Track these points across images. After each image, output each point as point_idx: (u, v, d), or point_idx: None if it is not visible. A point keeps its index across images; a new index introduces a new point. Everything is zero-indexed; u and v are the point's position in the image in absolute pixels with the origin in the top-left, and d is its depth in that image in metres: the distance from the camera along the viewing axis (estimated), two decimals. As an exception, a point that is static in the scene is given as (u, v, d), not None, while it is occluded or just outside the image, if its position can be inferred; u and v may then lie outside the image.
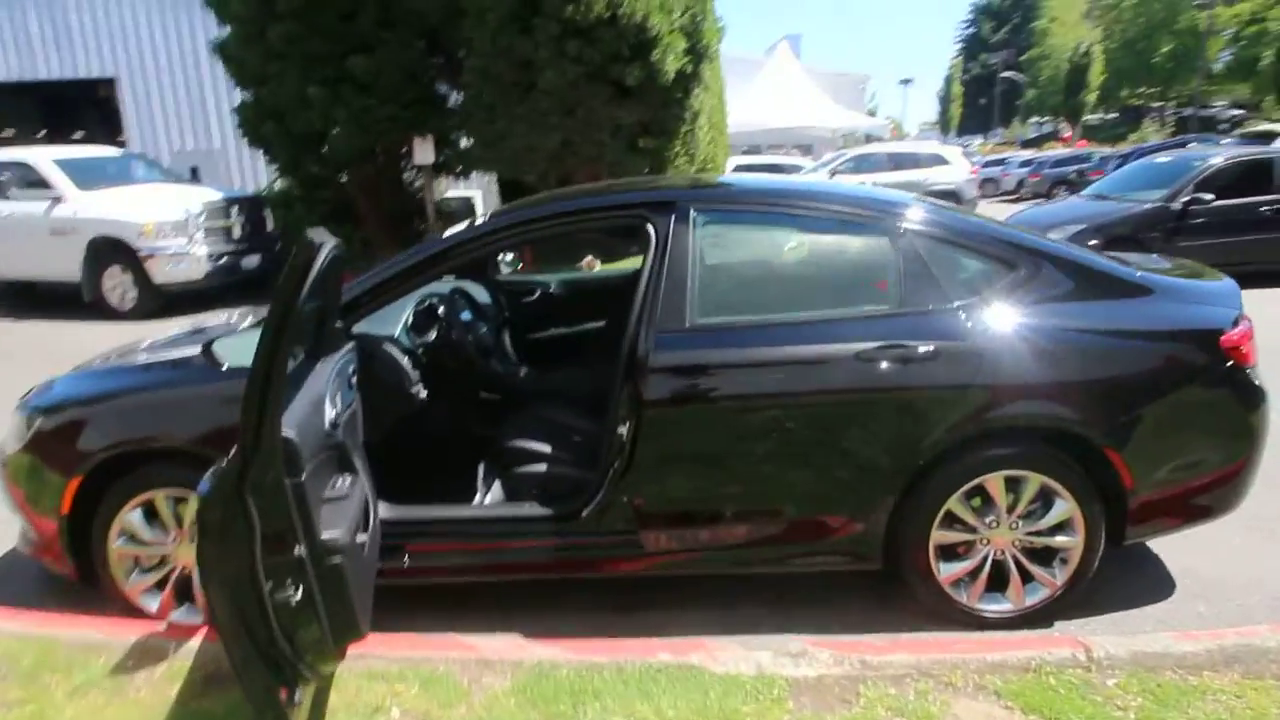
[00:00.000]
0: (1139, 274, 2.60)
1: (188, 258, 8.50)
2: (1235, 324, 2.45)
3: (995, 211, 12.76)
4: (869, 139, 26.46)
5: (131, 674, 2.33)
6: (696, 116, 10.48)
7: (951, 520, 2.46)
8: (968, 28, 70.18)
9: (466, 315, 3.17)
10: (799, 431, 2.36)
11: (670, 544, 2.50)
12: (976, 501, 2.48)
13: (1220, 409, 2.45)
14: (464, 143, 11.05)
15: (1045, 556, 2.52)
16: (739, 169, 14.56)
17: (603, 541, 2.51)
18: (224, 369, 2.38)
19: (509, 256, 4.34)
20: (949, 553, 2.51)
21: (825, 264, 2.65)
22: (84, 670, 2.34)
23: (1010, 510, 2.46)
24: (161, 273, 8.43)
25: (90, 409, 2.56)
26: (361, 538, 2.01)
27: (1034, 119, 63.22)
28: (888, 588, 2.69)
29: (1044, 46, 58.66)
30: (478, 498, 2.74)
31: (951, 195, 12.39)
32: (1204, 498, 2.52)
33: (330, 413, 1.94)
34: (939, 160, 14.17)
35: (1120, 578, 2.73)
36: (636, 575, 2.62)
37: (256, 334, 2.47)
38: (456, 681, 2.24)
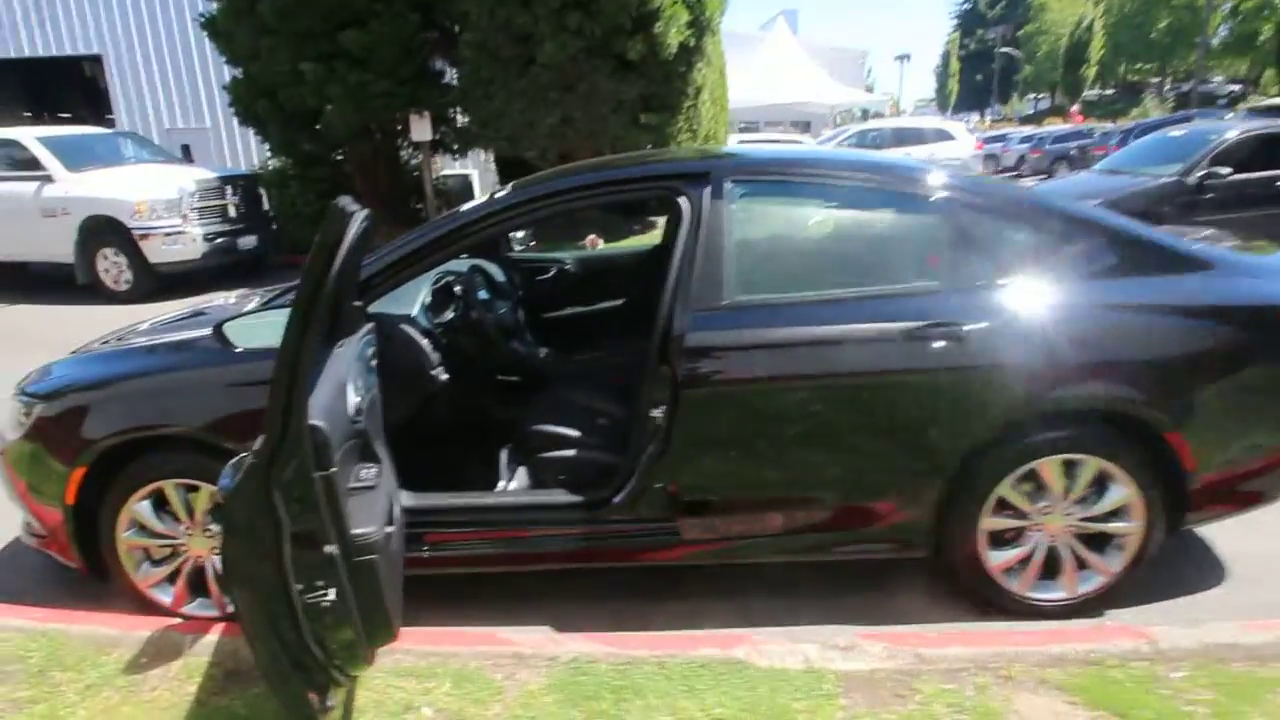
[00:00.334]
0: (1196, 247, 2.48)
1: (183, 237, 8.30)
2: None
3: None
4: (866, 115, 26.20)
5: (146, 671, 2.22)
6: (699, 91, 10.27)
7: (1003, 506, 2.35)
8: (964, 3, 69.51)
9: (484, 294, 3.02)
10: (843, 414, 2.24)
11: (708, 532, 2.39)
12: (1028, 486, 2.36)
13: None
14: (461, 120, 10.84)
15: (1100, 543, 2.42)
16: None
17: (635, 529, 2.40)
18: (237, 351, 2.25)
19: (520, 234, 4.19)
20: (999, 539, 2.40)
21: (869, 238, 2.51)
22: (96, 668, 2.22)
23: (1065, 495, 2.35)
24: (157, 252, 8.22)
25: (93, 394, 2.42)
26: (389, 529, 1.89)
27: (1030, 95, 62.86)
28: (932, 575, 2.59)
29: (1040, 22, 58.15)
30: (501, 484, 2.62)
31: (957, 171, 12.22)
32: (1258, 482, 2.42)
33: (353, 399, 1.81)
34: (944, 136, 14.00)
35: (1168, 562, 2.63)
36: (671, 564, 2.51)
37: (269, 315, 2.36)
38: (489, 678, 2.13)
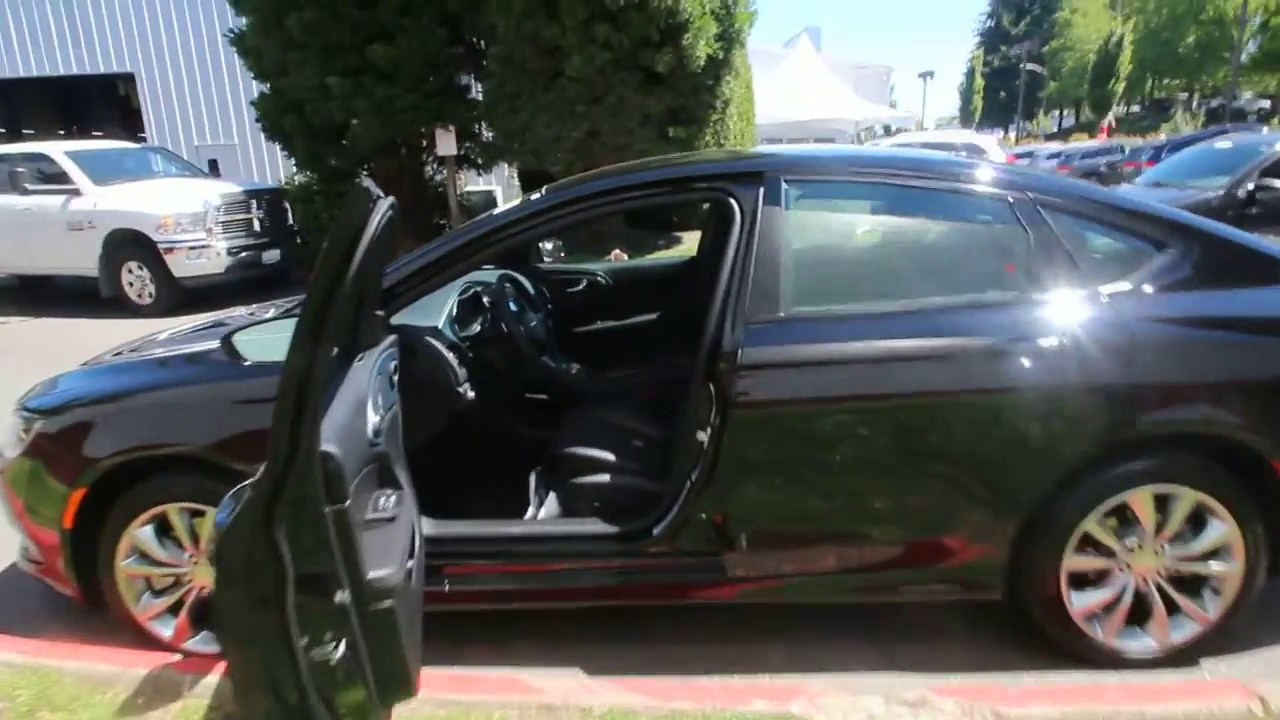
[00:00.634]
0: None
1: (207, 250, 8.26)
2: None
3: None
4: (888, 131, 25.94)
5: (143, 713, 2.04)
6: (727, 104, 10.13)
7: (1087, 544, 2.11)
8: (987, 20, 69.14)
9: (514, 306, 2.83)
10: (911, 439, 2.02)
11: (757, 569, 2.17)
12: (1113, 521, 2.12)
13: None
14: (486, 135, 10.78)
15: (1194, 586, 2.16)
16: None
17: (677, 564, 2.19)
18: (246, 364, 2.08)
19: (549, 244, 4.02)
20: (1082, 581, 2.16)
21: (939, 244, 2.29)
22: (88, 708, 2.04)
23: (1157, 532, 2.10)
24: (181, 266, 8.19)
25: (96, 410, 2.26)
26: (409, 564, 1.69)
27: (1055, 112, 62.22)
28: (1000, 617, 2.34)
29: (1066, 38, 57.64)
30: (530, 511, 2.41)
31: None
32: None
33: (373, 419, 1.62)
34: (975, 150, 13.69)
35: (1266, 604, 2.36)
36: (716, 604, 2.28)
37: (282, 325, 2.19)
38: (516, 731, 1.92)
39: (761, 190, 2.12)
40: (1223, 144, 8.74)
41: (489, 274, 3.08)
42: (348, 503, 1.28)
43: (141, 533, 2.22)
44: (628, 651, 2.34)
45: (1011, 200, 2.12)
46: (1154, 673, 2.14)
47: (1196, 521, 2.10)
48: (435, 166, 11.39)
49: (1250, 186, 7.53)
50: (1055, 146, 30.19)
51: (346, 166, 10.49)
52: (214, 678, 2.12)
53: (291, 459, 1.20)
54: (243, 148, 16.36)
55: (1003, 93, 59.98)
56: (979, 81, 61.48)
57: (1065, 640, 2.18)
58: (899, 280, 2.18)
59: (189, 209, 8.27)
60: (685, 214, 11.75)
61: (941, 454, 2.05)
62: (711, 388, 2.07)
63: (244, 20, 10.16)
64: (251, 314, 2.88)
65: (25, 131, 17.70)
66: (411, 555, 1.75)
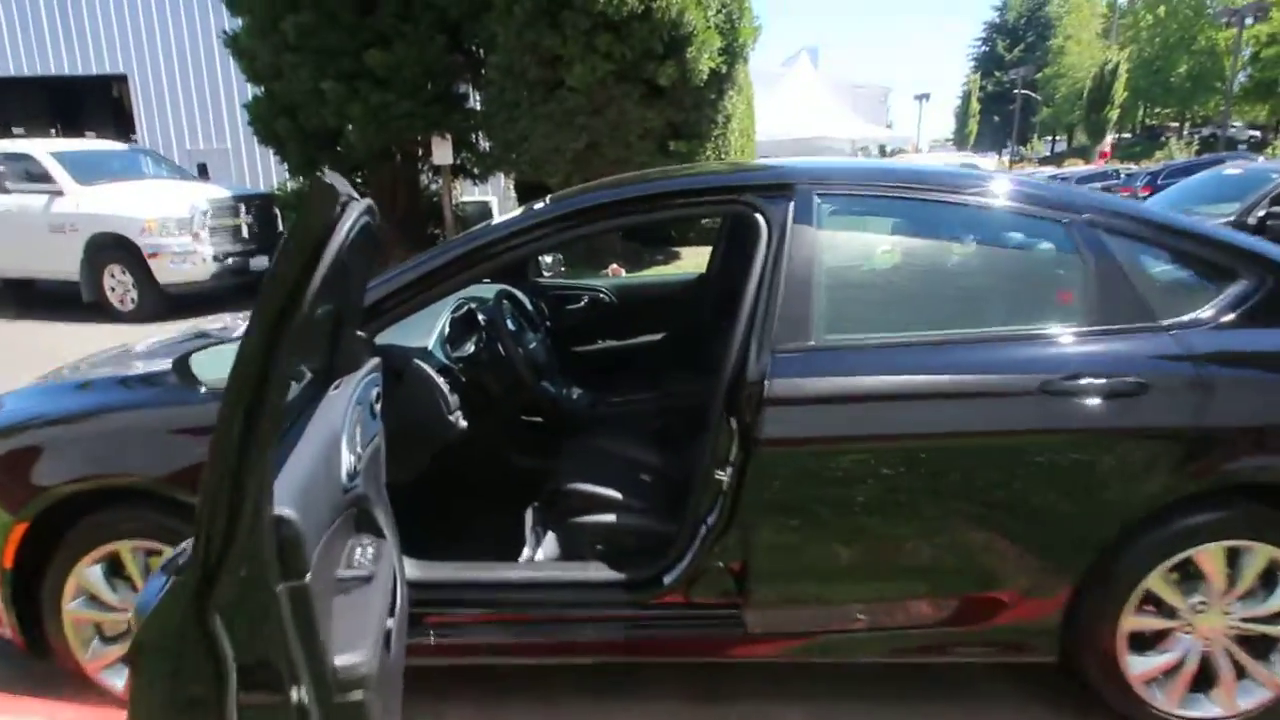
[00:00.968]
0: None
1: (193, 256, 8.00)
2: None
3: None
4: (883, 152, 25.94)
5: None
6: (729, 120, 9.99)
7: (1148, 602, 1.90)
8: (981, 45, 69.85)
9: (512, 325, 2.60)
10: (956, 484, 1.81)
11: (780, 624, 1.94)
12: (1175, 577, 1.91)
13: None
14: (483, 144, 10.59)
15: (1264, 648, 1.95)
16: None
17: (691, 617, 1.96)
18: (202, 390, 1.84)
19: (549, 259, 3.81)
20: (1141, 643, 1.94)
21: (989, 269, 2.09)
22: (23, 773, 1.80)
23: (1226, 590, 1.89)
24: (165, 271, 7.93)
25: (45, 434, 2.01)
26: (389, 623, 1.46)
27: (1048, 137, 62.79)
28: (1047, 678, 2.12)
29: (1059, 66, 58.27)
30: (526, 553, 2.18)
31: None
32: None
33: (348, 460, 1.39)
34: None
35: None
36: (735, 663, 2.06)
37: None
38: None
39: (792, 204, 1.91)
40: (1232, 170, 8.66)
41: (485, 290, 2.86)
42: (308, 577, 1.05)
43: (91, 573, 1.97)
44: (632, 712, 2.10)
45: (1067, 222, 1.92)
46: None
47: (1270, 579, 1.90)
48: (431, 176, 11.19)
49: (1260, 214, 7.41)
50: (1050, 170, 30.32)
51: (340, 173, 10.27)
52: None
53: (231, 530, 0.97)
54: (235, 152, 16.13)
55: (997, 116, 60.49)
56: (974, 105, 62.04)
57: (1123, 706, 1.97)
58: (943, 308, 1.97)
59: (175, 212, 8.02)
60: (683, 229, 11.60)
61: (989, 501, 1.83)
62: (733, 421, 1.85)
63: (239, 22, 9.99)
64: (224, 327, 2.65)
65: (15, 131, 17.41)
66: (392, 613, 1.52)
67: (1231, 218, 7.51)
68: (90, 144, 9.69)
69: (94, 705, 2.02)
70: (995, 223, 2.01)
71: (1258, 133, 43.59)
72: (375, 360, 1.80)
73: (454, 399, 2.10)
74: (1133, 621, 1.90)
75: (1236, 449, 1.81)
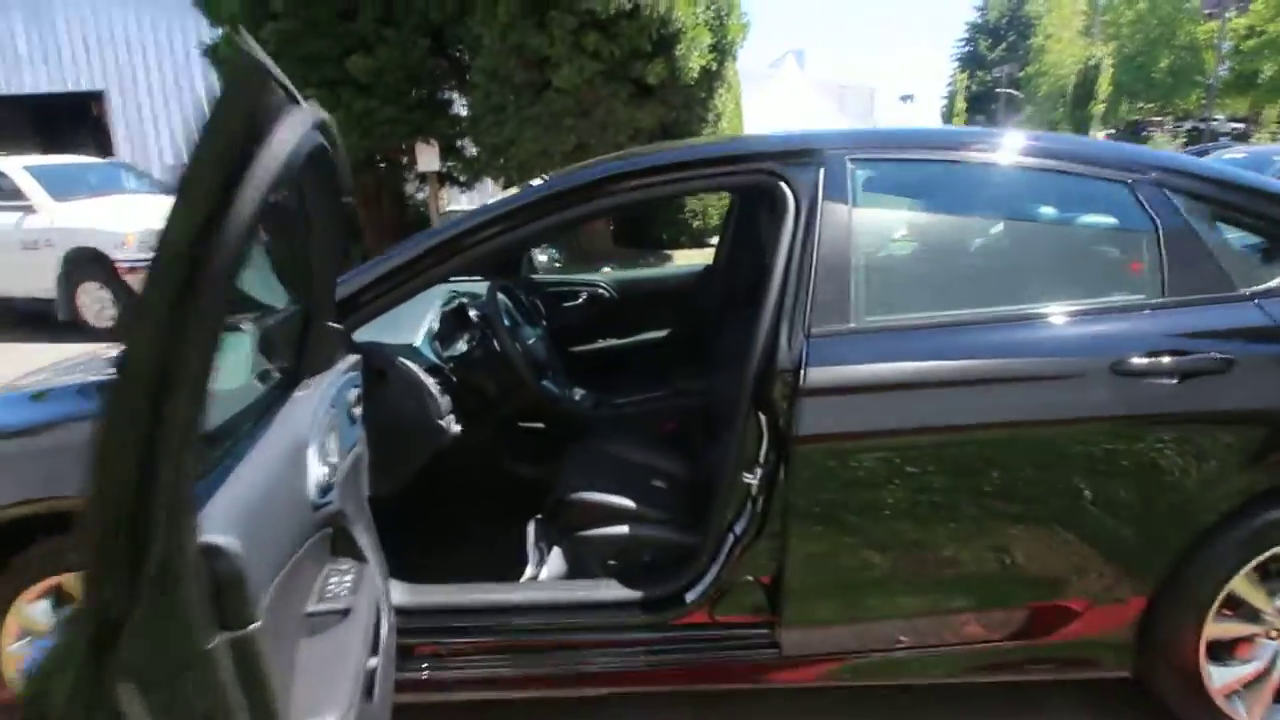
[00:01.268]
0: None
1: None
2: None
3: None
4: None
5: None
6: (719, 118, 9.81)
7: (1231, 605, 1.69)
8: (965, 46, 70.27)
9: (508, 321, 2.37)
10: (1022, 479, 1.60)
11: (820, 644, 1.72)
12: (1257, 577, 1.71)
13: None
14: (470, 150, 10.39)
15: (1356, 654, 1.74)
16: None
17: (717, 639, 1.74)
18: None
19: (543, 256, 3.60)
20: (1222, 651, 1.73)
21: (1048, 236, 1.88)
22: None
23: (1316, 590, 1.69)
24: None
25: (-12, 450, 1.78)
26: (372, 663, 1.24)
27: (1033, 135, 63.15)
28: (1116, 693, 1.91)
29: (1040, 64, 58.65)
30: (528, 571, 1.96)
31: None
32: None
33: (318, 471, 1.16)
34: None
35: None
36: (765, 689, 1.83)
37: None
38: None
39: (821, 172, 1.70)
40: (1234, 154, 8.56)
41: (476, 285, 2.65)
42: (255, 624, 0.81)
43: (34, 609, 1.74)
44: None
45: (1132, 182, 1.72)
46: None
47: (1362, 578, 1.69)
48: (417, 184, 10.97)
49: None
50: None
51: (324, 183, 10.04)
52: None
53: (135, 567, 0.72)
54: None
55: (981, 116, 60.77)
56: (960, 104, 62.36)
57: (1200, 722, 1.75)
58: (996, 282, 1.77)
59: (154, 226, 7.77)
60: (675, 231, 11.41)
61: (1058, 498, 1.63)
62: (761, 417, 1.63)
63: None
64: None
65: (-6, 152, 17.10)
66: (375, 650, 1.29)
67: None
68: (67, 159, 9.40)
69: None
70: (1052, 186, 1.80)
71: (1241, 124, 43.94)
72: (354, 358, 1.58)
73: (445, 401, 1.89)
74: (1215, 628, 1.69)
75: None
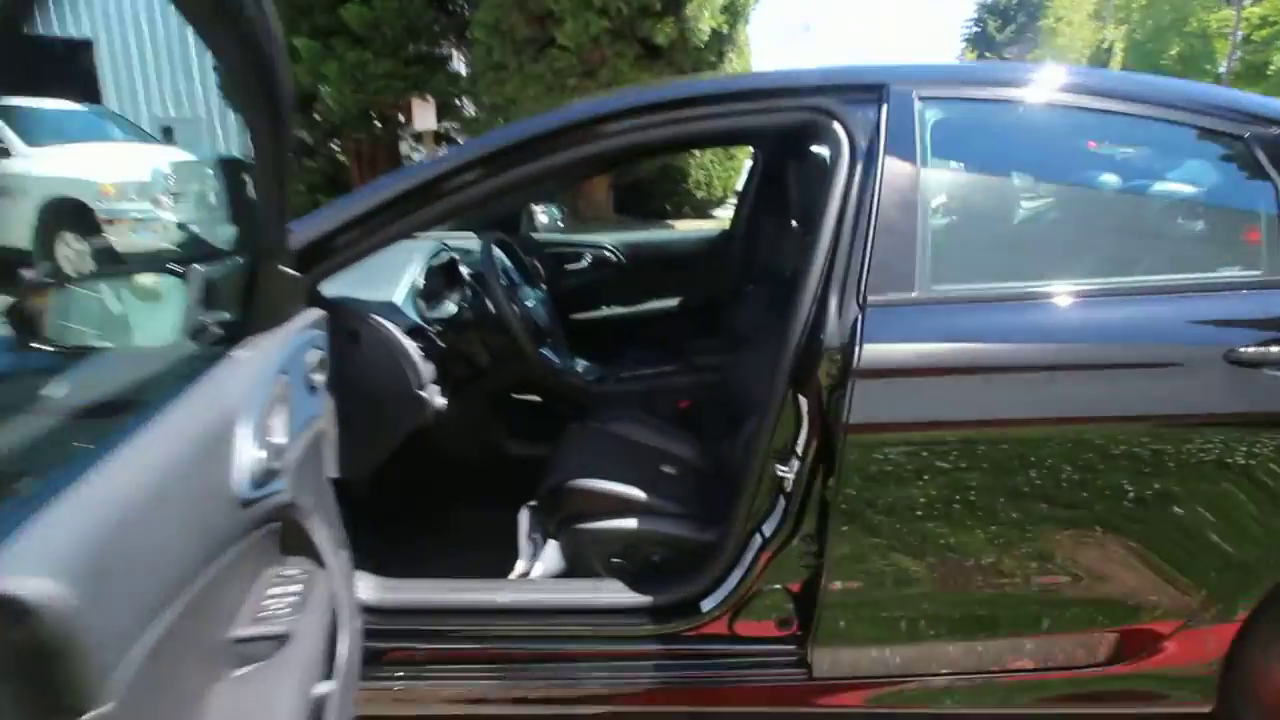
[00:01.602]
0: None
1: (155, 223, 7.42)
2: None
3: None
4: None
5: None
6: (729, 85, 9.45)
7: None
8: (974, 26, 69.36)
9: (505, 280, 2.09)
10: (1112, 484, 1.34)
11: (863, 666, 1.48)
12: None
13: None
14: (468, 110, 10.01)
15: None
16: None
17: (738, 655, 1.50)
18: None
19: (544, 216, 3.31)
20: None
21: (1148, 198, 1.60)
22: None
23: None
24: (125, 241, 7.35)
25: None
26: (322, 690, 0.99)
27: (1040, 119, 62.70)
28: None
29: (1050, 47, 57.96)
30: (519, 566, 1.71)
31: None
32: None
33: (251, 456, 0.89)
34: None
35: None
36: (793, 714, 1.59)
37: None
38: None
39: (884, 110, 1.42)
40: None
41: (469, 241, 2.36)
42: (102, 711, 0.54)
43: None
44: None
45: (1249, 136, 1.44)
46: None
47: None
48: (413, 143, 10.59)
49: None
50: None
51: (316, 139, 9.69)
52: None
53: None
54: (209, 122, 15.37)
55: (988, 98, 60.09)
56: (967, 85, 61.68)
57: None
58: (1089, 250, 1.49)
59: (136, 176, 7.43)
60: (679, 201, 11.09)
61: (1152, 507, 1.37)
62: (802, 401, 1.37)
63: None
64: None
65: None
66: (331, 671, 1.04)
67: None
68: (42, 103, 8.98)
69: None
70: (1157, 138, 1.52)
71: (1248, 116, 43.56)
72: (315, 313, 1.30)
73: (427, 369, 1.62)
74: (1315, 658, 1.46)
75: None
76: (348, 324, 1.52)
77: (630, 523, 1.68)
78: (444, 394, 1.71)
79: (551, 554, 1.71)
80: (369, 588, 1.51)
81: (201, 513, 0.78)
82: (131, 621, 0.60)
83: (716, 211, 11.25)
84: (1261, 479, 1.33)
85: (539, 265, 2.69)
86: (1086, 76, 1.53)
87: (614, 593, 1.55)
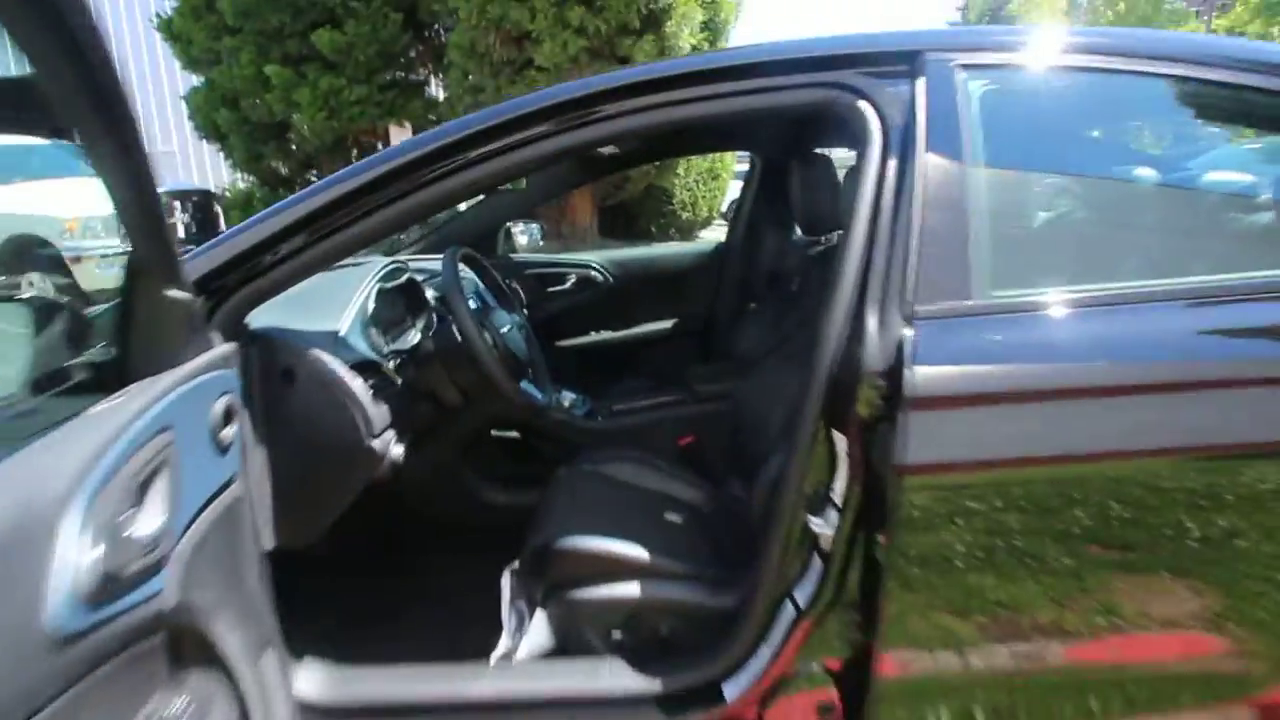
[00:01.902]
0: None
1: (121, 260, 7.15)
2: None
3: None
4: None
5: None
6: (711, 103, 9.30)
7: None
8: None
9: (474, 302, 1.81)
10: (1238, 530, 1.08)
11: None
12: None
13: None
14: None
15: None
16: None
17: (768, 750, 1.22)
18: None
19: (523, 236, 3.05)
20: None
21: (1245, 182, 1.36)
22: None
23: None
24: (91, 277, 7.07)
25: None
26: None
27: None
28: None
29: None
30: (501, 644, 1.42)
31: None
32: None
33: (84, 559, 0.61)
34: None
35: None
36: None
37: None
38: None
39: (923, 84, 1.17)
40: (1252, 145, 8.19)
41: (433, 262, 2.10)
42: None
43: None
44: None
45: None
46: None
47: None
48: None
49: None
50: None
51: (290, 168, 9.44)
52: None
53: None
54: (182, 153, 15.13)
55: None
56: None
57: None
58: (1179, 245, 1.24)
59: (101, 212, 7.17)
60: (664, 222, 10.91)
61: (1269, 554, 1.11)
62: (839, 438, 1.11)
63: (172, 7, 9.11)
64: None
65: (-58, 139, 16.26)
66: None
67: None
68: (3, 139, 8.73)
69: None
70: (1247, 108, 1.28)
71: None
72: (223, 349, 1.03)
73: (379, 412, 1.35)
74: None
75: None
76: (282, 361, 1.25)
77: (632, 588, 1.40)
78: (405, 440, 1.44)
79: (539, 628, 1.43)
80: (314, 682, 1.23)
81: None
82: None
83: (703, 233, 11.09)
84: None
85: (518, 288, 2.43)
86: (1162, 41, 1.29)
87: (615, 677, 1.27)
